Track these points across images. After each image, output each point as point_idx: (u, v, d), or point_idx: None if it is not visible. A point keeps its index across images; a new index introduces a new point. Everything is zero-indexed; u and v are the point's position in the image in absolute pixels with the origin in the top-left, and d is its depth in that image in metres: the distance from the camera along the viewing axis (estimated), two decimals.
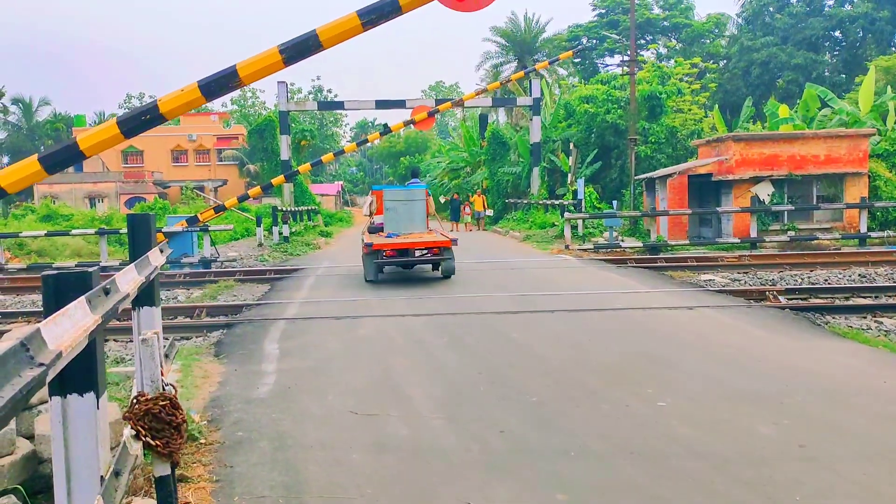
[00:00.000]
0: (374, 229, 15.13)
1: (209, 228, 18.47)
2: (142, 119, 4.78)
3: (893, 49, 42.74)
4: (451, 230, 30.80)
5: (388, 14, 4.92)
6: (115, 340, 9.23)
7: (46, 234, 21.64)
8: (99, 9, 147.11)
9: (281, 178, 23.84)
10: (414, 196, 14.74)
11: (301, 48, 4.89)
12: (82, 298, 2.47)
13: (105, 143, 4.80)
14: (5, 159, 65.98)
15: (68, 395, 2.68)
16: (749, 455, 4.57)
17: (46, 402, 4.45)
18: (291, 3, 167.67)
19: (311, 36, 4.86)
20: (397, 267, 14.52)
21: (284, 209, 26.80)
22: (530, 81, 34.92)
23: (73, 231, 21.94)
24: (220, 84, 4.82)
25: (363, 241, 14.30)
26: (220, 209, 20.46)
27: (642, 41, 53.50)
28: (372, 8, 4.90)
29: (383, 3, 4.89)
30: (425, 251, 13.81)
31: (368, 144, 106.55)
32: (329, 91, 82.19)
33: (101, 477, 2.64)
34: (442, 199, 40.54)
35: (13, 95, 65.81)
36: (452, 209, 34.25)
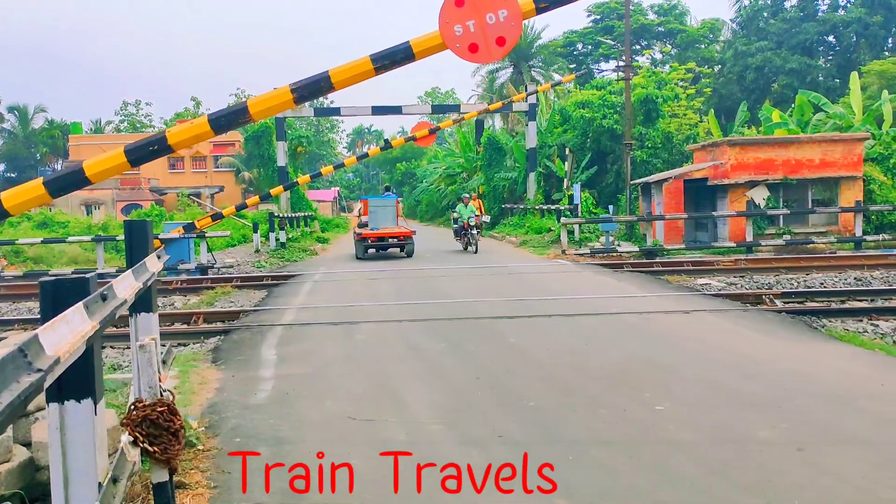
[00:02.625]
0: (362, 225, 22.22)
1: (206, 235, 18.46)
2: (149, 149, 4.85)
3: (887, 53, 42.96)
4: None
5: (401, 60, 5.03)
6: (111, 347, 9.20)
7: (43, 242, 21.59)
8: (94, 17, 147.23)
9: (280, 188, 23.87)
10: (388, 203, 22.61)
11: (313, 88, 5.00)
12: (80, 304, 2.46)
13: (111, 170, 4.85)
14: (1, 167, 65.86)
15: (66, 402, 2.67)
16: (748, 459, 4.57)
17: (44, 409, 4.43)
18: (287, 7, 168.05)
19: (324, 77, 4.95)
20: (377, 250, 21.76)
21: (281, 215, 26.79)
22: (525, 87, 35.00)
23: (70, 238, 21.89)
24: (229, 119, 4.92)
25: (355, 232, 21.92)
26: (217, 217, 20.47)
27: (637, 46, 53.69)
28: (385, 54, 5.01)
29: (397, 49, 4.99)
30: (394, 238, 21.27)
31: (365, 151, 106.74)
32: (325, 97, 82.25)
33: (99, 483, 2.63)
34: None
35: (9, 103, 65.79)
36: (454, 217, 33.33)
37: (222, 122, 4.93)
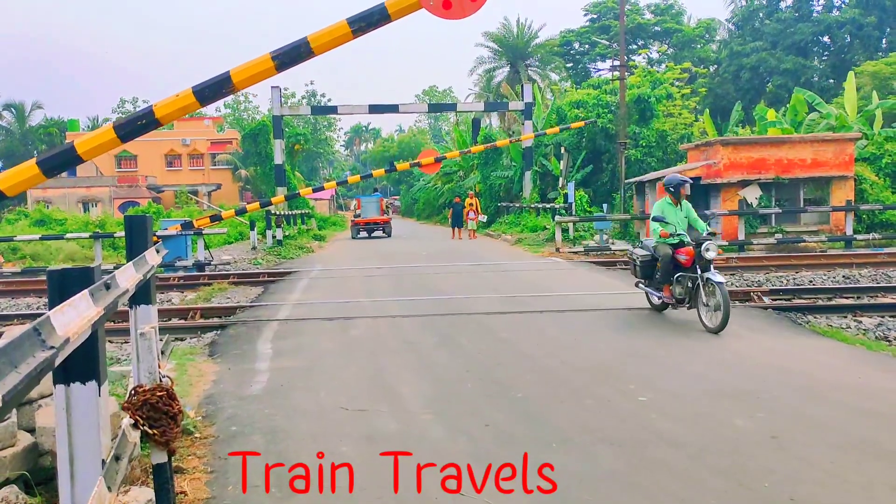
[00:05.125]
0: (357, 215, 33.24)
1: (203, 232, 18.61)
2: (138, 124, 4.90)
3: (880, 54, 43.22)
4: (454, 237, 28.55)
5: (378, 22, 5.06)
6: (109, 341, 9.36)
7: (41, 238, 21.70)
8: (92, 15, 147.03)
9: (280, 197, 23.97)
10: (374, 200, 34.01)
11: (293, 55, 5.01)
12: (86, 291, 2.63)
13: (102, 146, 4.93)
14: None
15: (72, 384, 2.83)
16: (724, 445, 4.76)
17: (46, 396, 4.61)
18: (281, 9, 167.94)
19: (303, 43, 4.99)
20: (367, 234, 32.03)
21: (278, 213, 26.92)
22: (522, 86, 35.22)
23: (68, 235, 22.01)
24: (213, 90, 4.94)
25: (351, 220, 34.01)
26: (216, 219, 20.62)
27: (633, 46, 53.89)
28: (361, 16, 5.05)
29: (372, 10, 5.03)
30: (378, 224, 31.82)
31: (363, 149, 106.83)
32: (323, 95, 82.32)
33: (103, 460, 2.80)
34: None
35: (6, 100, 65.80)
36: (454, 214, 30.19)
37: (206, 92, 4.96)
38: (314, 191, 25.66)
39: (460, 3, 4.98)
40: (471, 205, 29.59)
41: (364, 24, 5.07)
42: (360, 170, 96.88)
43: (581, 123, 28.65)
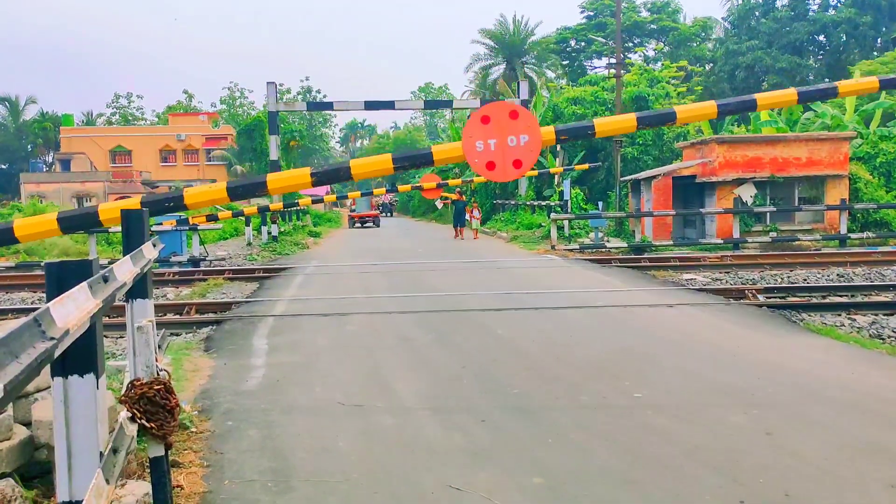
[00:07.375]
0: (353, 210, 40.85)
1: (198, 227, 18.57)
2: (165, 205, 5.15)
3: (876, 54, 43.34)
4: (456, 237, 27.19)
5: (421, 165, 5.35)
6: (105, 336, 9.34)
7: None
8: (86, 9, 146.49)
9: (279, 205, 23.93)
10: (365, 198, 38.66)
11: (332, 175, 5.43)
12: (84, 284, 2.63)
13: None
14: None
15: (70, 377, 2.83)
16: (718, 442, 4.78)
17: (43, 389, 4.60)
18: (281, 4, 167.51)
19: (344, 167, 5.28)
20: (360, 224, 39.16)
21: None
22: (518, 83, 35.21)
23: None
24: (247, 189, 5.29)
25: (348, 214, 41.93)
26: (212, 219, 20.59)
27: (630, 44, 53.95)
28: (407, 156, 5.47)
29: (418, 154, 5.33)
30: (369, 217, 39.72)
31: (358, 146, 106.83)
32: (318, 91, 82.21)
33: (101, 453, 2.81)
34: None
35: None
36: (456, 212, 28.44)
37: (239, 191, 5.27)
38: (314, 202, 25.52)
39: (503, 167, 5.16)
40: (474, 202, 29.05)
41: (407, 163, 5.39)
42: None
43: (586, 166, 27.75)
